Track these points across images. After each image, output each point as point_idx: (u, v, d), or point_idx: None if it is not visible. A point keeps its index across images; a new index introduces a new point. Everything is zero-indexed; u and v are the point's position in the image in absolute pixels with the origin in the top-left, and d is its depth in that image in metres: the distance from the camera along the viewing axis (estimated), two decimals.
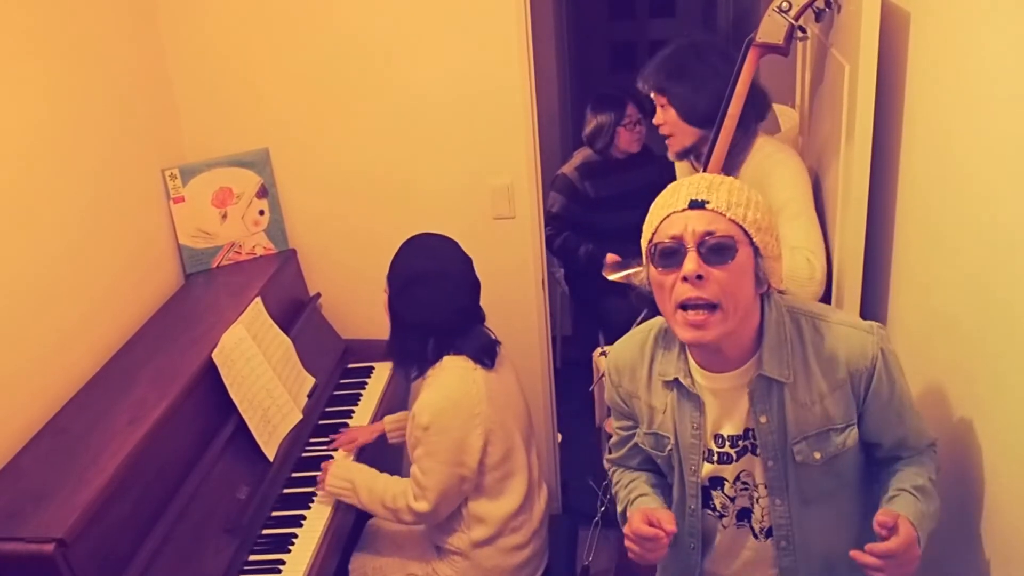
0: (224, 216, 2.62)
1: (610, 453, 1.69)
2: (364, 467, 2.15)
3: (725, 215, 1.32)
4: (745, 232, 1.33)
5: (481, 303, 2.11)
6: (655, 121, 2.12)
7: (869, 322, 1.44)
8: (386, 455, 2.46)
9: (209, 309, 2.37)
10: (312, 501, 2.12)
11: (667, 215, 1.35)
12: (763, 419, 1.41)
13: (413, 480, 1.99)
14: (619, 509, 1.62)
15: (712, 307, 1.32)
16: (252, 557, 1.96)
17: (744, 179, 2.06)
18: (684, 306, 1.33)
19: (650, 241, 1.38)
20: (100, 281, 2.18)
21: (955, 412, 1.50)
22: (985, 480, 1.39)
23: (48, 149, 2.03)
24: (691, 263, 1.31)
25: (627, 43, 6.08)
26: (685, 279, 1.31)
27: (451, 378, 1.97)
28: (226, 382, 2.07)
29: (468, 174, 2.62)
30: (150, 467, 1.81)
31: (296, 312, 2.59)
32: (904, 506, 1.37)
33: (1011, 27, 1.23)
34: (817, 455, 1.41)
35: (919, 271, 1.66)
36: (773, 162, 2.01)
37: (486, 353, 2.02)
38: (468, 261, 2.05)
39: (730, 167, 2.08)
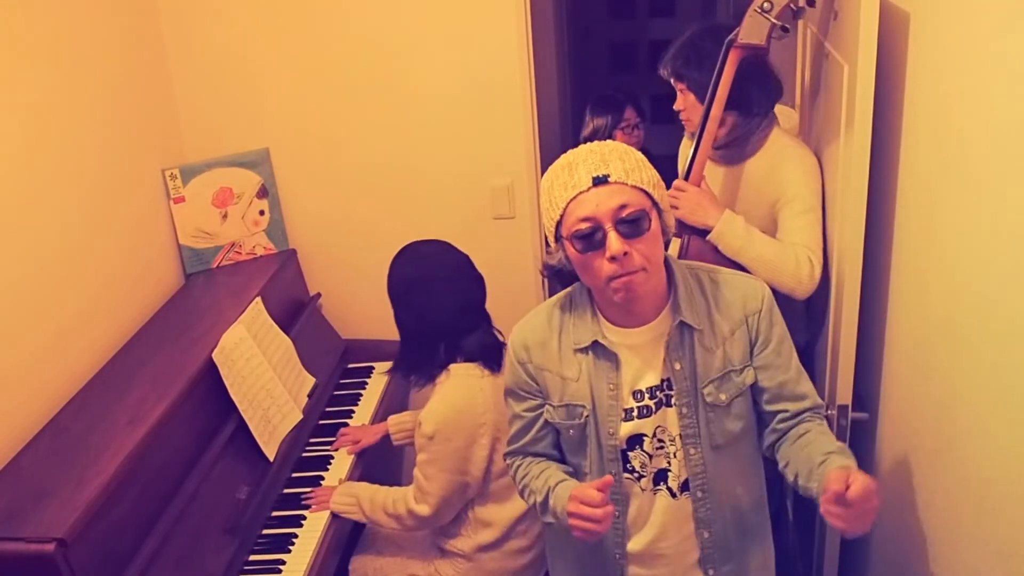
0: (224, 216, 2.62)
1: (509, 444, 1.66)
2: (365, 483, 2.15)
3: (627, 183, 1.38)
4: (647, 195, 1.41)
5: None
6: (676, 106, 2.11)
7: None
8: (387, 459, 2.46)
9: (209, 309, 2.37)
10: None
11: (573, 197, 1.39)
12: (677, 366, 1.50)
13: (416, 483, 1.99)
14: (537, 500, 1.57)
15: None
16: (252, 557, 1.97)
17: (756, 168, 2.06)
18: (612, 277, 1.40)
19: (558, 224, 1.43)
20: (100, 281, 2.18)
21: (955, 412, 1.50)
22: (985, 481, 1.39)
23: (48, 149, 2.03)
24: (615, 243, 1.37)
25: (627, 43, 6.09)
26: (613, 258, 1.37)
27: (457, 387, 1.96)
28: (226, 382, 2.07)
29: (468, 174, 2.62)
30: (150, 467, 1.81)
31: (296, 312, 2.59)
32: (845, 463, 1.39)
33: (1012, 26, 1.23)
34: (723, 396, 1.51)
35: (918, 271, 1.66)
36: (787, 155, 2.01)
37: (492, 355, 2.01)
38: (463, 259, 2.03)
39: (742, 156, 2.07)
